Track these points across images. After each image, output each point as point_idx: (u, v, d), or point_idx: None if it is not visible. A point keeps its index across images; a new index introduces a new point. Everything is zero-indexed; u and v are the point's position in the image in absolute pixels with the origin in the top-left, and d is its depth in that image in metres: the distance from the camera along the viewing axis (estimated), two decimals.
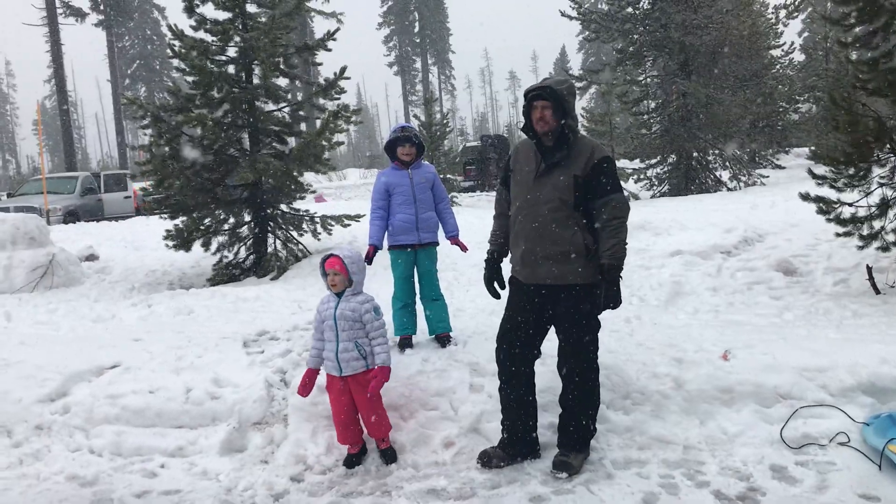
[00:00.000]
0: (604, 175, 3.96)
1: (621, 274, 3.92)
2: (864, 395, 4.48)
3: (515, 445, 4.26)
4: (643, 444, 4.38)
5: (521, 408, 4.24)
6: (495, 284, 4.36)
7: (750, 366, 4.78)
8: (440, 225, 5.69)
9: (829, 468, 3.99)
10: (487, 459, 4.22)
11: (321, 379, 4.51)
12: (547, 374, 4.46)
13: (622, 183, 15.52)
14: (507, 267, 4.32)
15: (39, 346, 6.08)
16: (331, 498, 4.05)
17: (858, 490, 3.75)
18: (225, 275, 10.03)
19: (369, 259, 5.42)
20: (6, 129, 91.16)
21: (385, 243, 5.60)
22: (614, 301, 3.90)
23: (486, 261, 4.43)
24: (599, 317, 4.12)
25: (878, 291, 6.87)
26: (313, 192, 11.54)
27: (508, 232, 4.29)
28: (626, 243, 3.94)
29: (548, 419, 4.43)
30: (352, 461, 4.40)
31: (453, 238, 5.70)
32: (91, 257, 11.44)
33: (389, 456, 4.40)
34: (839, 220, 6.98)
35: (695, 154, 18.18)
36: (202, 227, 9.87)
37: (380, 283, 7.39)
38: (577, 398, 4.12)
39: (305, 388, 4.46)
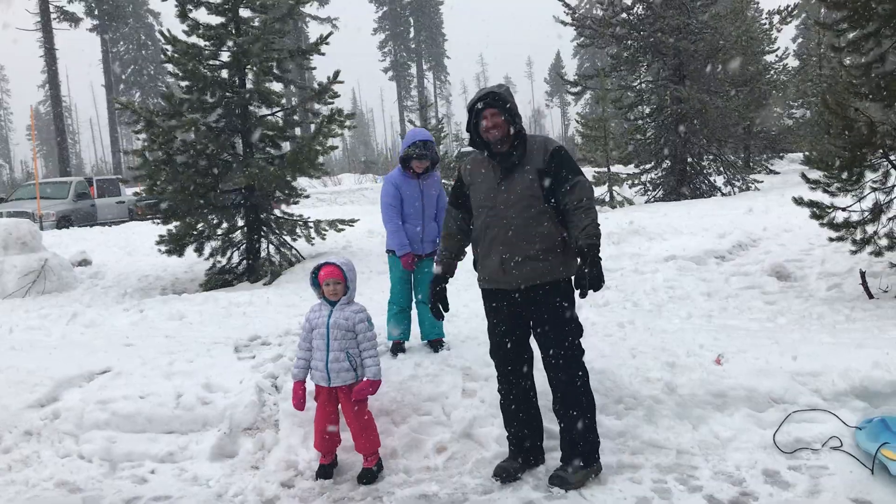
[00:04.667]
0: (562, 163, 3.96)
1: (600, 255, 3.84)
2: (856, 399, 4.47)
3: (525, 454, 4.20)
4: (636, 448, 4.36)
5: (525, 418, 4.19)
6: (440, 306, 4.31)
7: (743, 370, 4.77)
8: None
9: (821, 472, 3.98)
10: (506, 475, 4.10)
11: (311, 385, 4.47)
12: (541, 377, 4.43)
13: (616, 188, 15.50)
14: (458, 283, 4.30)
15: (30, 351, 6.05)
16: None
17: (850, 494, 3.74)
18: (218, 280, 10.02)
19: (412, 265, 5.41)
20: (0, 134, 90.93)
21: (384, 246, 5.57)
22: (597, 282, 3.78)
23: (431, 282, 4.35)
24: (586, 322, 4.09)
25: (871, 296, 6.87)
26: (307, 196, 11.53)
27: (457, 251, 4.35)
28: (599, 224, 3.88)
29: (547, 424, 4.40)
30: (323, 472, 4.34)
31: None
32: (84, 262, 11.41)
33: (366, 477, 4.25)
34: (833, 225, 6.98)
35: (689, 159, 18.20)
36: (195, 232, 9.85)
37: (374, 288, 7.39)
38: (567, 406, 4.05)
39: (301, 402, 4.36)
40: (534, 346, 4.21)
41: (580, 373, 4.05)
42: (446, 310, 4.34)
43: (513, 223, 3.97)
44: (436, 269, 4.36)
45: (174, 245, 9.76)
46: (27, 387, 5.21)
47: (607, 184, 18.16)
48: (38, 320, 7.72)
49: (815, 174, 7.08)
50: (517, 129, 4.00)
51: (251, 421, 4.82)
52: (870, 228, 6.89)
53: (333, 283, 4.30)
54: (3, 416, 4.97)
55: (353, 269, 4.40)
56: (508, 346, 4.16)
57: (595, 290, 3.84)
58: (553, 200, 3.96)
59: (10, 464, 4.63)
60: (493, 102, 3.98)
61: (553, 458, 4.24)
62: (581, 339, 4.09)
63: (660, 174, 18.76)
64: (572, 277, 3.94)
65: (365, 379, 4.30)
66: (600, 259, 3.83)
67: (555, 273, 3.97)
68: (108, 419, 4.87)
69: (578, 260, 3.86)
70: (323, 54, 10.63)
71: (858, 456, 4.03)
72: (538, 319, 4.05)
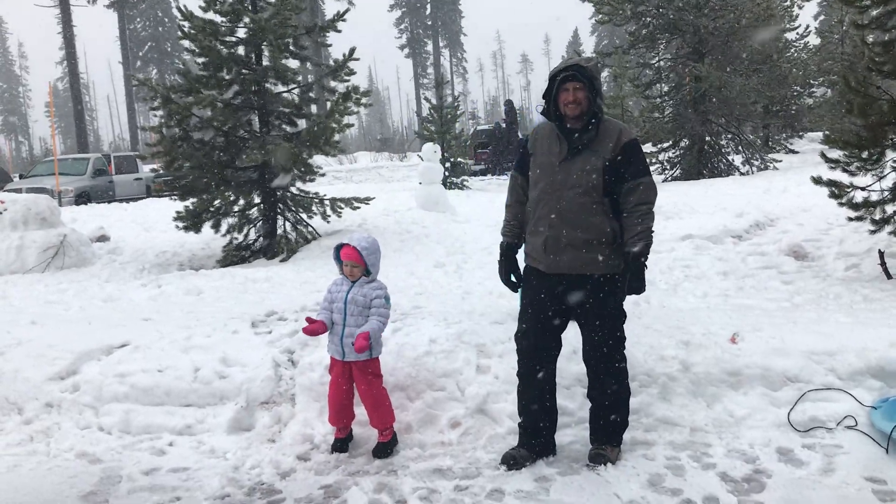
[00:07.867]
0: (632, 158, 3.78)
1: (646, 263, 3.78)
2: (872, 378, 4.45)
3: (536, 446, 4.08)
4: (649, 425, 4.37)
5: (542, 410, 4.06)
6: (512, 277, 4.13)
7: (758, 349, 4.75)
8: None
9: (835, 451, 3.98)
10: (514, 462, 3.99)
11: (327, 360, 4.51)
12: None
13: None
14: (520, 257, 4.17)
15: (50, 325, 6.12)
16: (337, 477, 4.07)
17: (865, 473, 3.74)
18: (235, 256, 10.07)
19: None
20: (19, 110, 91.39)
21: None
22: (636, 290, 3.78)
23: (501, 253, 4.15)
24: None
25: (889, 276, 6.82)
26: (322, 174, 11.52)
27: (524, 221, 4.07)
28: (653, 231, 3.77)
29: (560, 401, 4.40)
30: (339, 445, 4.38)
31: None
32: (102, 238, 11.49)
33: (380, 451, 4.28)
34: (852, 205, 6.92)
35: (707, 138, 18.06)
36: (212, 209, 9.90)
37: (387, 265, 7.39)
38: (609, 394, 3.98)
39: (311, 324, 4.31)
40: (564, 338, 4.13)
41: (621, 360, 3.98)
42: (520, 280, 4.14)
43: (564, 207, 3.80)
44: (504, 239, 4.16)
45: (191, 221, 9.81)
46: (47, 360, 5.29)
47: None
48: (57, 294, 7.81)
49: (835, 153, 7.01)
50: (596, 109, 3.81)
51: (268, 395, 4.87)
52: (889, 208, 6.83)
53: (351, 265, 4.29)
54: (25, 388, 5.06)
55: (376, 250, 4.35)
56: (539, 330, 3.99)
57: (635, 295, 3.85)
58: (613, 194, 3.80)
59: (32, 434, 4.71)
60: (580, 76, 3.76)
61: (561, 446, 4.26)
62: (624, 326, 3.99)
63: (677, 153, 18.63)
64: (615, 273, 3.83)
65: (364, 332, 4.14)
66: (645, 268, 3.77)
67: (596, 266, 3.80)
68: (127, 392, 4.94)
69: (622, 262, 3.80)
70: (339, 31, 10.59)
71: (873, 435, 4.03)
72: (579, 308, 3.92)
